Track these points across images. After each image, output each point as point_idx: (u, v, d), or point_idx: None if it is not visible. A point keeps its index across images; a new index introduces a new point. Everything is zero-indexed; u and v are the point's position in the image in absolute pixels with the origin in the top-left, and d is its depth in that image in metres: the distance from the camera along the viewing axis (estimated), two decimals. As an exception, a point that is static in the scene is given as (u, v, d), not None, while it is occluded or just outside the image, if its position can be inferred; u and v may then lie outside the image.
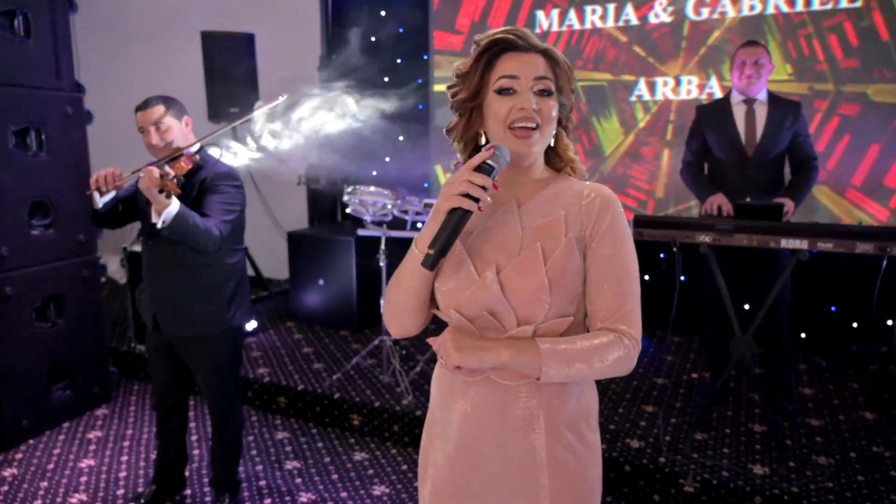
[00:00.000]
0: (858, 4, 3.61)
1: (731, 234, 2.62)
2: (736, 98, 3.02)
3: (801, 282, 3.30)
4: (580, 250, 1.19)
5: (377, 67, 5.14)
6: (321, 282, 4.54)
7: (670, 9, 4.07)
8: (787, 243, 2.51)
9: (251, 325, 4.33)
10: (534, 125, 1.15)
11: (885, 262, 2.50)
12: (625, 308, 1.18)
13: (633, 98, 4.28)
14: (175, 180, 2.06)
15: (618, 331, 1.17)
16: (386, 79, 5.16)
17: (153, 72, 5.41)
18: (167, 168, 2.10)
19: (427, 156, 5.12)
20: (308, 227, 5.43)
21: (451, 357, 1.14)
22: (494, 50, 1.19)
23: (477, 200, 1.07)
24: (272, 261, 5.55)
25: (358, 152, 4.92)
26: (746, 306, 3.66)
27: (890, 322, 3.57)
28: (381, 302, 1.28)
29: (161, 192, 2.03)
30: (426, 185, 5.15)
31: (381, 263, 3.41)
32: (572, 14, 4.36)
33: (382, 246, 3.39)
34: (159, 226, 2.07)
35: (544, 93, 1.17)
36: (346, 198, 3.33)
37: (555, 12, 4.42)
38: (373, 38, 5.17)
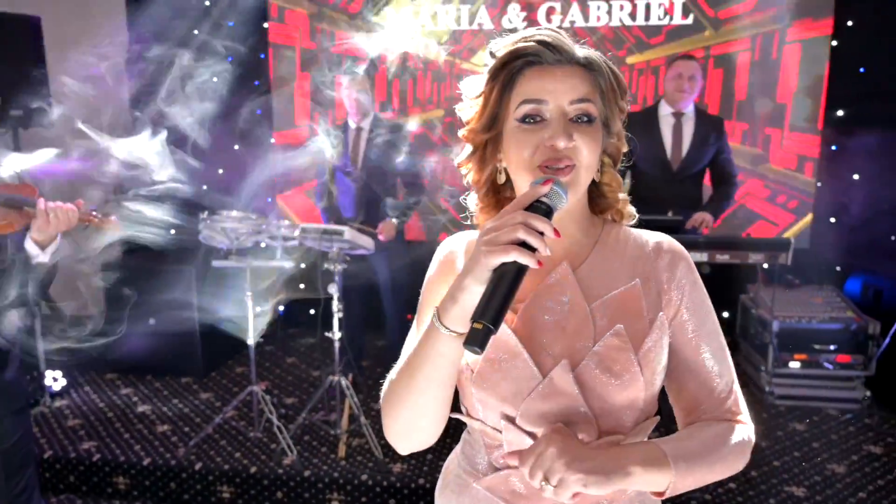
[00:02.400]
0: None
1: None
2: (665, 110, 2.99)
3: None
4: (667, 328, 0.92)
5: (203, 67, 4.44)
6: (152, 321, 3.75)
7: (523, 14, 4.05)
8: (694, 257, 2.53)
9: (58, 385, 3.42)
10: (568, 165, 0.86)
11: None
12: (728, 387, 0.94)
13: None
14: None
15: (726, 418, 0.93)
16: (215, 79, 4.47)
17: None
18: None
19: (269, 168, 4.54)
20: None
21: (566, 482, 0.79)
22: (515, 64, 0.88)
23: (533, 250, 0.76)
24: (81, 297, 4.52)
25: (183, 162, 4.21)
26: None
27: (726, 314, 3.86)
28: (382, 406, 0.89)
29: None
30: (269, 199, 4.57)
31: (247, 301, 2.85)
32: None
33: (248, 278, 2.83)
34: None
35: (583, 119, 0.87)
36: (199, 224, 2.71)
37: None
38: (195, 32, 4.46)
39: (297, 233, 2.88)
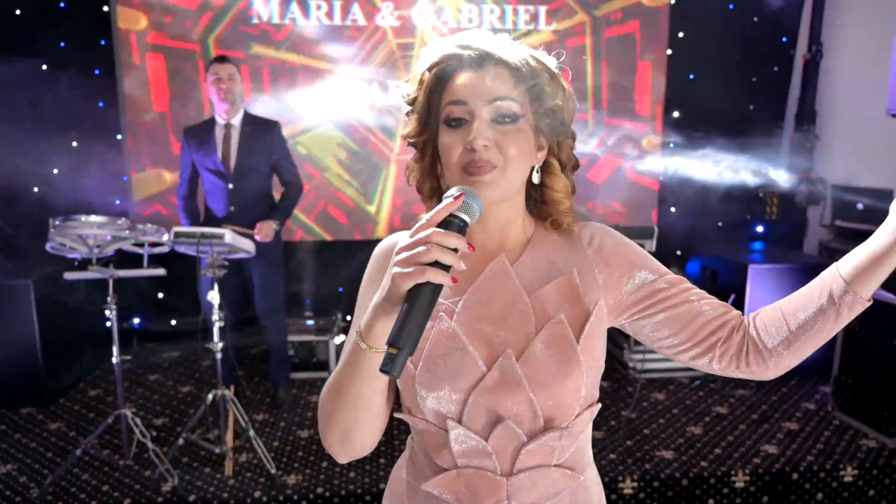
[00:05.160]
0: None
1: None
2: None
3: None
4: (611, 316, 0.96)
5: (32, 53, 3.88)
6: (-22, 346, 3.23)
7: (397, 13, 4.05)
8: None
9: None
10: (490, 167, 0.85)
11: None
12: (710, 299, 0.97)
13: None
14: None
15: (735, 316, 0.97)
16: (44, 66, 3.93)
17: None
18: None
19: (117, 167, 4.10)
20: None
21: None
22: (440, 68, 0.89)
23: (448, 269, 0.75)
24: None
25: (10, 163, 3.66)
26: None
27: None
28: (319, 415, 0.86)
29: None
30: (118, 202, 4.12)
31: (110, 314, 2.55)
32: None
33: (111, 291, 2.53)
34: None
35: (504, 119, 0.86)
36: (51, 231, 2.37)
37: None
38: (17, 12, 3.88)
39: (166, 237, 2.64)
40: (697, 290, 0.98)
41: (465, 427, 0.89)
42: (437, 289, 0.75)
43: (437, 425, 0.91)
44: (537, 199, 0.97)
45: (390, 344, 0.73)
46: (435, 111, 0.90)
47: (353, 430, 0.87)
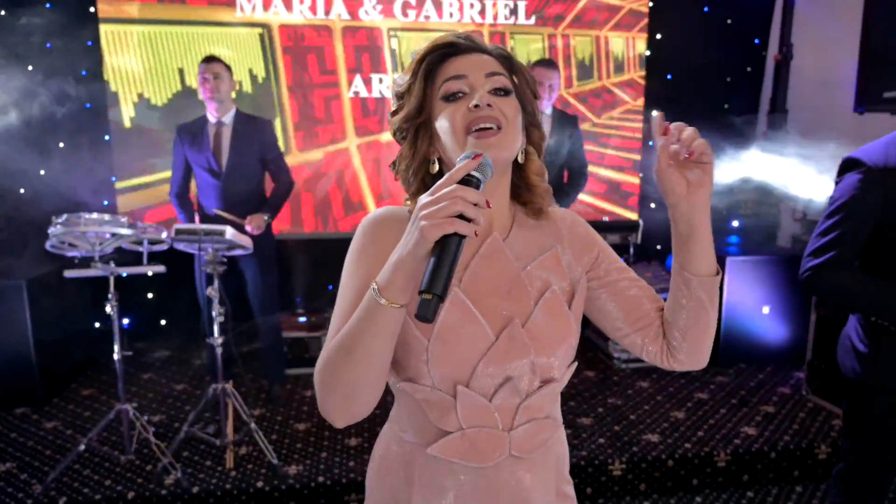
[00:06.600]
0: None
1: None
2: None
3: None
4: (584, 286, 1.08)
5: (18, 54, 3.87)
6: (-29, 348, 3.22)
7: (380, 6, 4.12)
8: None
9: None
10: (495, 126, 0.92)
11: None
12: (650, 288, 1.11)
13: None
14: None
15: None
16: (30, 67, 3.92)
17: None
18: None
19: (105, 168, 4.10)
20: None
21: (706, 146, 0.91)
22: (434, 56, 0.98)
23: (470, 222, 0.79)
24: None
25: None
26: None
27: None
28: (318, 380, 0.90)
29: None
30: (105, 202, 4.13)
31: (112, 311, 2.59)
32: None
33: (111, 289, 2.57)
34: None
35: (500, 91, 0.95)
36: (54, 229, 2.40)
37: None
38: (2, 13, 3.87)
39: (164, 235, 2.68)
40: (643, 282, 1.10)
41: (472, 391, 0.97)
42: (462, 240, 0.79)
43: (443, 391, 0.97)
44: (518, 185, 1.05)
45: (423, 291, 0.77)
46: (430, 96, 0.97)
47: (358, 390, 0.89)
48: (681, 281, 0.98)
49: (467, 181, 0.82)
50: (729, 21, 4.53)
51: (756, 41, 4.63)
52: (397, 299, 0.83)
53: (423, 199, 0.81)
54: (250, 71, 4.07)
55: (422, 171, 1.01)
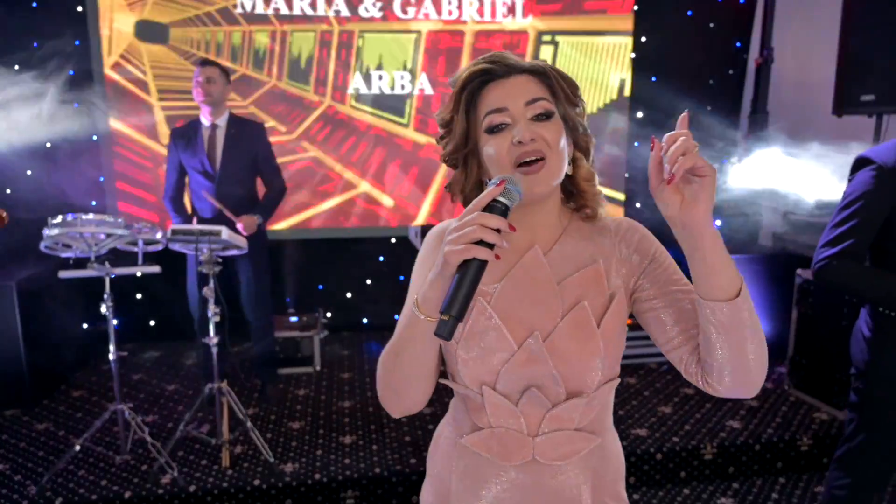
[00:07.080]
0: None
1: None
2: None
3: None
4: (628, 301, 1.05)
5: (4, 54, 3.83)
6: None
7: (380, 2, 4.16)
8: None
9: None
10: (541, 157, 0.96)
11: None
12: None
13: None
14: None
15: None
16: (17, 66, 3.89)
17: None
18: None
19: (94, 169, 4.08)
20: None
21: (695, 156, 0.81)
22: (473, 85, 1.01)
23: (492, 247, 0.85)
24: None
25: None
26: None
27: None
28: (377, 374, 1.02)
29: None
30: (94, 203, 4.11)
31: (107, 311, 2.59)
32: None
33: (107, 289, 2.58)
34: None
35: (542, 117, 0.98)
36: (50, 230, 2.40)
37: None
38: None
39: (159, 235, 2.69)
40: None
41: (498, 393, 1.03)
42: (482, 264, 0.85)
43: (474, 391, 1.04)
44: (572, 191, 1.08)
45: (443, 312, 0.84)
46: (473, 125, 1.01)
47: (405, 388, 1.00)
48: (697, 304, 0.92)
49: (492, 207, 0.87)
50: (711, 25, 4.63)
51: (738, 45, 4.74)
52: (433, 314, 0.90)
53: (452, 225, 0.87)
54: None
55: (476, 193, 1.05)
